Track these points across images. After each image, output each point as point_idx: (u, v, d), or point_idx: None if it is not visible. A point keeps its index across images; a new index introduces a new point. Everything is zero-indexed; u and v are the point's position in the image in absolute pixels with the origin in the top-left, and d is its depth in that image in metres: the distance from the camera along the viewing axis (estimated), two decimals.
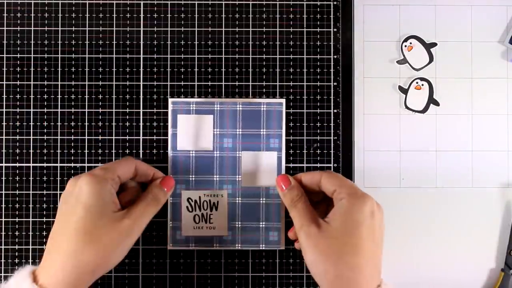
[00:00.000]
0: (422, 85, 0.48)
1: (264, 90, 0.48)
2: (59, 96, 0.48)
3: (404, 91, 0.48)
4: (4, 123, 0.47)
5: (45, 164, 0.47)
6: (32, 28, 0.48)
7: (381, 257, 0.39)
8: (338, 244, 0.36)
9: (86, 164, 0.47)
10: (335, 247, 0.36)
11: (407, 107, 0.48)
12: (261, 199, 0.47)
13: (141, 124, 0.48)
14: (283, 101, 0.47)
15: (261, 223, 0.47)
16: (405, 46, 0.48)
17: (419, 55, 0.48)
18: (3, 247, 0.47)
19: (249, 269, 0.47)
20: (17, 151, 0.47)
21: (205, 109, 0.47)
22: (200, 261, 0.47)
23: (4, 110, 0.47)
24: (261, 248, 0.47)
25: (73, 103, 0.48)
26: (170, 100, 0.47)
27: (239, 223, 0.47)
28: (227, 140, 0.47)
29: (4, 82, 0.47)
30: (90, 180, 0.37)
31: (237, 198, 0.47)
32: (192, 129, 0.47)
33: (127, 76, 0.48)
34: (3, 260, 0.47)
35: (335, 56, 0.48)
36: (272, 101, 0.47)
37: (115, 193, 0.39)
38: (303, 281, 0.47)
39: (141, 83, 0.48)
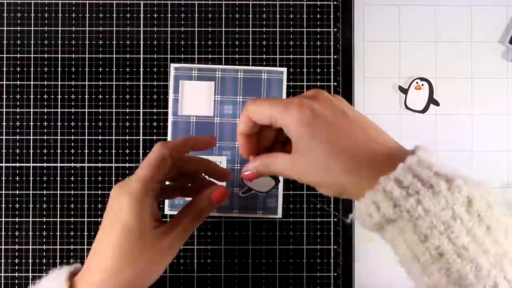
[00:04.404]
0: (422, 85, 0.48)
1: None
2: (59, 96, 0.48)
3: (404, 91, 0.48)
4: (4, 123, 0.47)
5: (45, 164, 0.47)
6: (32, 28, 0.48)
7: (360, 130, 0.32)
8: (312, 167, 0.31)
9: (86, 164, 0.47)
10: (310, 173, 0.31)
11: (407, 107, 0.48)
12: None
13: (141, 124, 0.48)
14: (284, 70, 0.47)
15: None
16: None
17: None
18: (3, 247, 0.47)
19: (249, 269, 0.47)
20: (17, 151, 0.47)
21: (207, 75, 0.47)
22: (200, 261, 0.47)
23: (4, 110, 0.47)
24: (258, 215, 0.47)
25: (73, 103, 0.48)
26: (172, 65, 0.47)
27: (237, 189, 0.47)
28: (227, 107, 0.47)
29: (4, 82, 0.47)
30: (130, 200, 0.34)
31: (236, 165, 0.47)
32: (193, 95, 0.47)
33: (127, 76, 0.48)
34: (3, 260, 0.47)
35: (335, 56, 0.48)
36: (273, 69, 0.47)
37: (156, 205, 0.36)
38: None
39: (141, 83, 0.48)
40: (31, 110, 0.47)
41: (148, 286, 0.37)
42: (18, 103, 0.47)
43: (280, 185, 0.47)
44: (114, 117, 0.48)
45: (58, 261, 0.47)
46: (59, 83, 0.48)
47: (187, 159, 0.39)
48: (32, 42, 0.48)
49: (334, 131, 0.31)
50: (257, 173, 0.36)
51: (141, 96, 0.48)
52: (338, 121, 0.31)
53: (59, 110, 0.47)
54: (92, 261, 0.36)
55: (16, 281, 0.47)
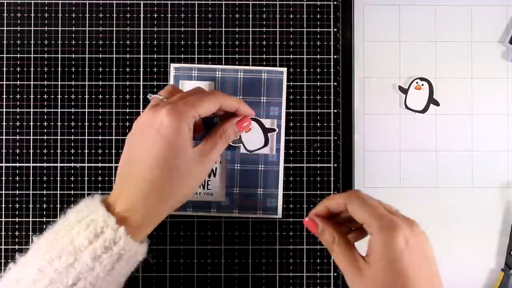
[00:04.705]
0: (422, 85, 0.48)
1: None
2: (59, 96, 0.48)
3: (404, 91, 0.48)
4: (4, 123, 0.47)
5: (45, 164, 0.47)
6: (32, 28, 0.48)
7: (435, 283, 0.35)
8: (370, 286, 0.34)
9: (86, 164, 0.47)
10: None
11: (407, 107, 0.48)
12: (260, 166, 0.47)
13: None
14: (284, 70, 0.47)
15: (259, 189, 0.47)
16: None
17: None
18: (3, 247, 0.47)
19: (249, 269, 0.47)
20: (17, 151, 0.47)
21: (207, 75, 0.47)
22: (200, 261, 0.47)
23: (4, 110, 0.47)
24: (258, 215, 0.47)
25: (73, 103, 0.48)
26: (172, 65, 0.47)
27: (237, 189, 0.47)
28: None
29: (4, 82, 0.47)
30: (172, 115, 0.36)
31: (236, 165, 0.47)
32: None
33: (127, 76, 0.48)
34: (3, 260, 0.47)
35: (335, 56, 0.48)
36: (273, 70, 0.47)
37: (192, 130, 0.38)
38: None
39: (141, 83, 0.48)
40: (31, 110, 0.47)
41: (180, 204, 0.39)
42: (18, 103, 0.47)
43: (280, 185, 0.47)
44: (114, 117, 0.48)
45: None
46: (59, 83, 0.48)
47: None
48: (32, 42, 0.48)
49: (411, 271, 0.33)
50: (319, 233, 0.38)
51: (141, 96, 0.48)
52: (420, 265, 0.34)
53: (59, 110, 0.47)
54: (128, 178, 0.36)
55: None
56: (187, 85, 0.47)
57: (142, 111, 0.48)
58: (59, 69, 0.48)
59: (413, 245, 0.34)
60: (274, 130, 0.46)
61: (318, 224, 0.38)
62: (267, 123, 0.47)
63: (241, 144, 0.46)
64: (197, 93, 0.39)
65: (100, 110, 0.48)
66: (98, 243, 0.33)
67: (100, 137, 0.48)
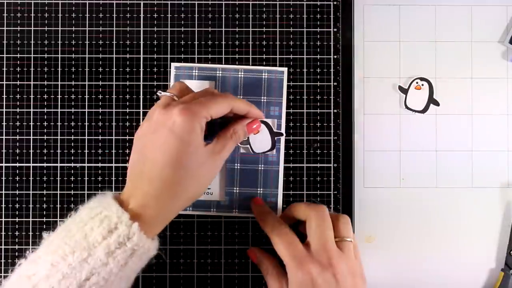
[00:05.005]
0: (422, 85, 0.48)
1: None
2: (59, 96, 0.48)
3: (404, 91, 0.48)
4: (4, 123, 0.47)
5: (45, 164, 0.47)
6: (32, 28, 0.48)
7: None
8: None
9: (86, 164, 0.47)
10: None
11: (407, 107, 0.48)
12: (260, 165, 0.47)
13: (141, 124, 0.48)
14: (285, 69, 0.47)
15: (258, 189, 0.47)
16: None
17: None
18: (3, 247, 0.47)
19: (249, 269, 0.47)
20: (17, 151, 0.47)
21: (207, 75, 0.47)
22: (200, 261, 0.47)
23: (4, 110, 0.47)
24: None
25: (73, 103, 0.48)
26: (173, 64, 0.47)
27: (237, 188, 0.47)
28: None
29: (4, 82, 0.47)
30: (185, 114, 0.36)
31: (236, 164, 0.47)
32: None
33: (127, 76, 0.48)
34: (3, 260, 0.47)
35: (335, 56, 0.48)
36: (274, 69, 0.47)
37: (204, 130, 0.39)
38: None
39: (141, 83, 0.48)
40: (31, 110, 0.47)
41: (189, 204, 0.40)
42: (18, 103, 0.47)
43: (280, 185, 0.47)
44: (114, 117, 0.48)
45: None
46: (59, 83, 0.48)
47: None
48: (32, 42, 0.48)
49: None
50: (257, 263, 0.45)
51: (141, 96, 0.48)
52: None
53: (59, 110, 0.48)
54: (141, 177, 0.37)
55: None
56: (187, 84, 0.47)
57: (142, 111, 0.48)
58: (59, 69, 0.48)
59: (322, 284, 0.37)
60: (281, 134, 0.47)
61: (257, 255, 0.45)
62: (270, 122, 0.47)
63: (248, 145, 0.46)
64: (209, 94, 0.40)
65: (100, 110, 0.48)
66: (112, 239, 0.34)
67: (100, 137, 0.48)
